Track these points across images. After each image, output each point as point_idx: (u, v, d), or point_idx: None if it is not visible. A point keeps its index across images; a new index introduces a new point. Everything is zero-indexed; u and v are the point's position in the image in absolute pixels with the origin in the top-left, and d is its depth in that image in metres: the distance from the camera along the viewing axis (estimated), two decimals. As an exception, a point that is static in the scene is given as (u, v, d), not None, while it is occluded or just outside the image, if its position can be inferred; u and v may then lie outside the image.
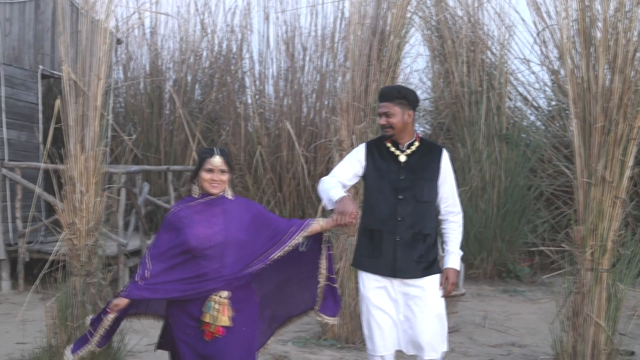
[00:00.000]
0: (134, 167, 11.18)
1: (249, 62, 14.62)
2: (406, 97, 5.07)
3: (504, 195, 11.91)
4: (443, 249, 5.28)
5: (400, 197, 4.99)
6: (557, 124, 13.48)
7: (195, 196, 4.70)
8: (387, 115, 5.07)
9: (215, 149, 4.70)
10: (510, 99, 13.09)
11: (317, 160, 13.20)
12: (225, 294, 4.52)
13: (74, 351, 4.73)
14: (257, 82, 14.34)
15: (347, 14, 13.52)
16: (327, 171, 13.11)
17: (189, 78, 14.57)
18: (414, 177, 5.05)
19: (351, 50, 8.14)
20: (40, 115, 11.57)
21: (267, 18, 14.23)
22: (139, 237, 11.12)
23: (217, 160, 4.63)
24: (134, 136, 9.25)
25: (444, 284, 5.14)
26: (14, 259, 10.83)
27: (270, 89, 14.29)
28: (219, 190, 4.65)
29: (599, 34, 6.17)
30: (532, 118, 13.70)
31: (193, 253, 4.49)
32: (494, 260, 11.99)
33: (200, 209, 4.62)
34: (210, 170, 4.62)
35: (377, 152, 5.13)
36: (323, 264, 4.87)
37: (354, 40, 8.11)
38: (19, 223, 10.62)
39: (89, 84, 6.22)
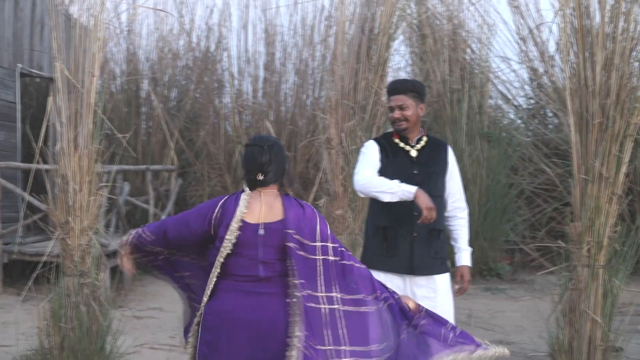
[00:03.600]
0: (116, 167, 11.04)
1: (227, 61, 14.54)
2: (418, 91, 5.05)
3: (485, 193, 11.92)
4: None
5: None
6: (537, 122, 13.55)
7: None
8: (401, 108, 5.01)
9: None
10: (492, 98, 13.12)
11: (297, 159, 13.14)
12: None
13: None
14: (236, 82, 14.26)
15: (326, 12, 13.54)
16: (307, 170, 13.10)
17: (166, 77, 14.45)
18: (427, 171, 5.01)
19: (339, 48, 8.10)
20: (19, 115, 11.39)
21: (245, 16, 14.17)
22: (119, 237, 10.95)
23: None
24: (127, 135, 9.15)
25: (459, 282, 5.12)
26: (-8, 260, 10.63)
27: (249, 87, 14.23)
28: None
29: (595, 28, 6.19)
30: (512, 116, 13.75)
31: None
32: (476, 258, 11.96)
33: None
34: None
35: (388, 147, 5.09)
36: None
37: (343, 38, 8.08)
38: (-2, 224, 10.44)
39: (82, 81, 6.12)
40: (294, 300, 3.93)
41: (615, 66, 6.10)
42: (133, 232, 4.27)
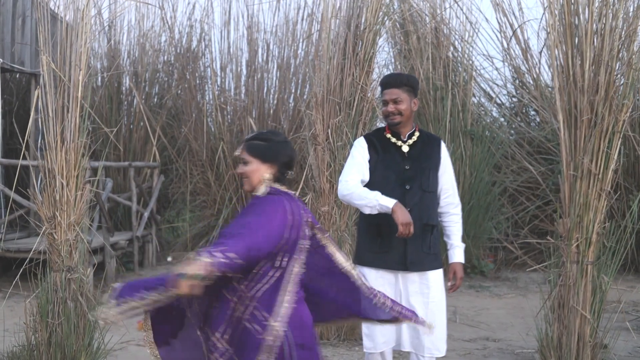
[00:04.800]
0: (99, 163, 10.96)
1: (210, 57, 14.47)
2: (412, 85, 5.04)
3: (468, 191, 11.92)
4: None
5: (407, 187, 4.92)
6: (519, 120, 13.59)
7: None
8: (395, 102, 5.00)
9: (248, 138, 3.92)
10: (475, 96, 13.14)
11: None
12: None
13: None
14: (219, 78, 14.20)
15: (309, 9, 13.53)
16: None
17: (147, 74, 14.35)
18: (419, 166, 4.99)
19: (325, 43, 8.09)
20: (0, 110, 11.30)
21: (228, 12, 14.12)
22: (102, 234, 10.90)
23: (238, 150, 3.88)
24: (113, 130, 9.04)
25: (452, 279, 5.10)
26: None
27: (231, 84, 14.17)
28: (247, 186, 3.85)
29: (583, 25, 6.21)
30: (495, 114, 13.77)
31: None
32: (459, 256, 12.00)
33: None
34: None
35: (379, 143, 5.05)
36: None
37: (328, 33, 8.07)
38: (-21, 220, 10.33)
39: (69, 74, 6.07)
40: (355, 281, 4.00)
41: (604, 63, 6.12)
42: (212, 256, 3.38)
